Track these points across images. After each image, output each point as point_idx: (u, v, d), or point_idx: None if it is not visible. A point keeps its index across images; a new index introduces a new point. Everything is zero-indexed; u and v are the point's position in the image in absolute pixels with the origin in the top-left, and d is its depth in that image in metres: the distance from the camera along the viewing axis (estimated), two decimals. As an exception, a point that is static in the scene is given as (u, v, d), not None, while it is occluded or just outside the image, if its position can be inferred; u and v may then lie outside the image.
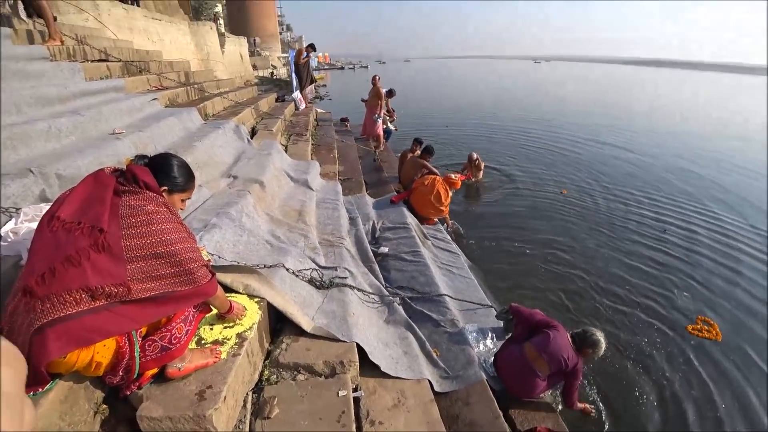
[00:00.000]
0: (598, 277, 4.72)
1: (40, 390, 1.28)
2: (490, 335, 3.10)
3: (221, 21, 23.50)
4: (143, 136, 3.50)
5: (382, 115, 8.61)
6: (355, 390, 2.03)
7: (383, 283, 3.39)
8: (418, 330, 2.82)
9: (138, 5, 10.88)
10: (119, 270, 1.28)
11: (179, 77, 6.83)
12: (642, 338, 3.77)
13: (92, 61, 5.42)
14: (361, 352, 2.21)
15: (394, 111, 9.85)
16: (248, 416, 1.69)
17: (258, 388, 1.85)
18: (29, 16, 5.07)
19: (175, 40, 13.85)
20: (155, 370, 1.50)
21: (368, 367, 2.23)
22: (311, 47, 10.08)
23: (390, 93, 9.20)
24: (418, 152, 6.60)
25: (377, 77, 8.76)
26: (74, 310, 1.20)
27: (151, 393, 1.49)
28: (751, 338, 3.88)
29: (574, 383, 2.64)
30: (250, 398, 1.77)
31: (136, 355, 1.37)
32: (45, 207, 1.89)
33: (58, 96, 3.78)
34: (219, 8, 24.81)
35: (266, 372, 1.94)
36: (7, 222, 1.92)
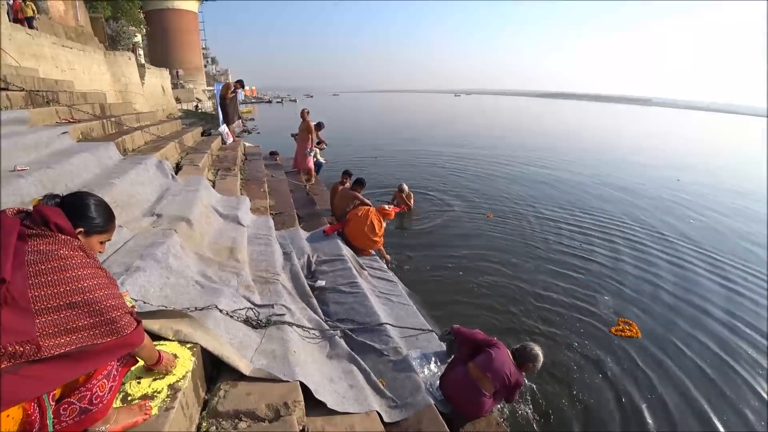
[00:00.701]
0: (527, 292, 5.05)
1: None
2: (433, 359, 3.14)
3: (141, 51, 22.40)
4: (52, 174, 3.18)
5: (313, 148, 8.65)
6: (302, 431, 1.94)
7: (322, 317, 3.32)
8: (362, 362, 2.78)
9: (32, 27, 10.06)
10: (26, 325, 1.11)
11: (93, 109, 6.36)
12: (572, 343, 4.07)
13: (-13, 90, 4.90)
14: (306, 390, 2.13)
15: (324, 143, 9.96)
16: (187, 478, 1.55)
17: (197, 444, 1.71)
18: None
19: (88, 70, 12.97)
20: (75, 436, 1.31)
21: (314, 405, 2.15)
22: (240, 83, 9.99)
23: (319, 126, 9.30)
24: (348, 184, 6.67)
25: (306, 111, 8.82)
26: None
27: (68, 466, 1.30)
28: (668, 332, 4.39)
29: (515, 393, 2.80)
30: (187, 457, 1.63)
31: (49, 422, 1.19)
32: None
33: (-58, 130, 3.35)
34: (138, 38, 23.68)
35: (204, 424, 1.79)
36: None
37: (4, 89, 5.09)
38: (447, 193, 9.78)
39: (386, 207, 5.46)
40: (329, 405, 2.18)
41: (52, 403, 1.21)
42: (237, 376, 2.04)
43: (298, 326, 2.74)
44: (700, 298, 5.15)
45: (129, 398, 1.57)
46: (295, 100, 77.04)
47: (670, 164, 16.09)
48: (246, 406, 1.87)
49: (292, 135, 9.13)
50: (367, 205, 5.75)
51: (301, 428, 1.91)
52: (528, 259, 6.07)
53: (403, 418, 2.43)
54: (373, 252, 5.31)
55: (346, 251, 4.84)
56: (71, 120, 5.42)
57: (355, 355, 2.84)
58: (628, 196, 10.22)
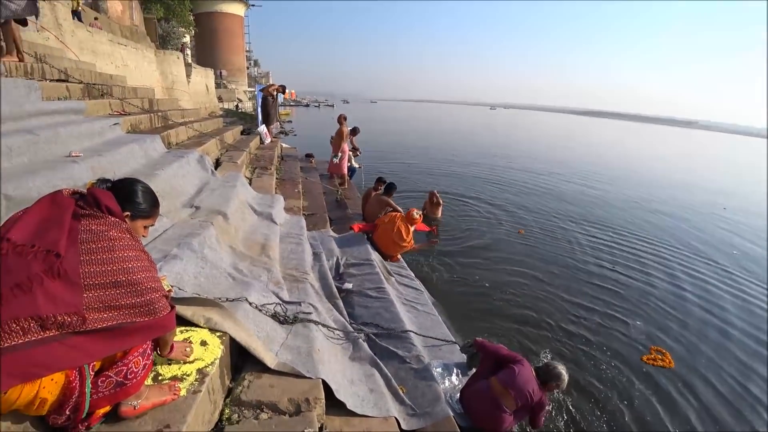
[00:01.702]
0: (557, 311, 4.91)
1: None
2: (455, 371, 3.10)
3: (188, 51, 23.44)
4: (102, 161, 3.36)
5: (345, 153, 8.76)
6: (320, 429, 1.95)
7: (348, 319, 3.34)
8: (383, 367, 2.77)
9: (81, 20, 10.63)
10: (75, 298, 1.19)
11: (143, 104, 6.69)
12: (600, 369, 3.91)
13: (51, 80, 5.23)
14: (327, 389, 2.14)
15: (357, 149, 10.07)
16: (207, 459, 1.59)
17: (218, 429, 1.74)
18: None
19: (140, 67, 13.65)
20: (107, 408, 1.38)
21: (334, 404, 2.16)
22: (282, 88, 10.25)
23: (354, 131, 9.41)
24: (381, 190, 6.72)
25: (343, 117, 8.94)
26: (21, 341, 1.10)
27: (101, 433, 1.36)
28: (703, 363, 4.17)
29: (539, 414, 2.70)
30: (209, 440, 1.66)
31: (87, 391, 1.26)
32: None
33: (11, 114, 3.58)
34: (187, 39, 24.81)
35: (227, 411, 1.83)
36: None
37: (64, 81, 5.43)
38: (482, 203, 9.73)
39: (415, 213, 5.42)
40: (349, 406, 2.18)
41: (91, 373, 1.28)
42: (261, 368, 2.07)
43: (324, 326, 2.77)
44: (740, 332, 4.88)
45: (160, 378, 1.63)
46: (332, 105, 78.37)
47: (718, 190, 15.45)
48: (268, 398, 1.90)
49: (331, 140, 9.28)
50: (398, 211, 5.76)
51: (319, 426, 1.92)
52: (561, 277, 5.91)
53: (420, 426, 2.40)
54: (401, 258, 5.31)
55: (375, 256, 4.86)
56: (122, 112, 5.72)
57: (378, 360, 2.83)
58: (673, 221, 9.85)
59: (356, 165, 10.01)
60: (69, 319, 1.17)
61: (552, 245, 7.28)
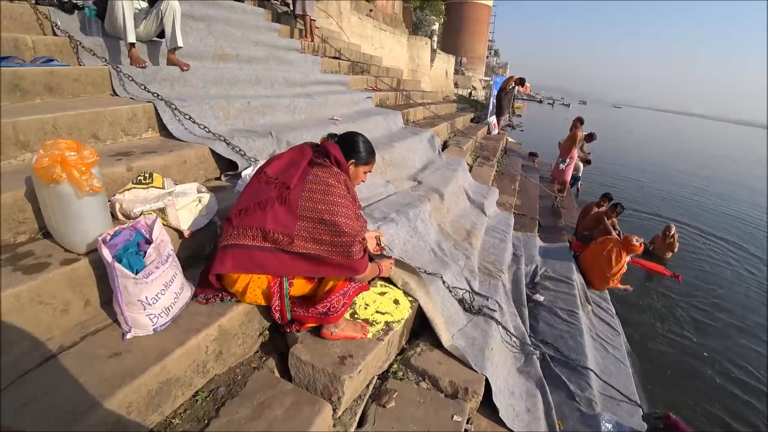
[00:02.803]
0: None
1: (230, 298, 1.66)
2: (627, 436, 2.63)
3: (435, 38, 25.19)
4: (354, 126, 4.02)
5: (574, 159, 8.09)
6: (467, 422, 1.98)
7: (528, 331, 3.19)
8: (549, 394, 2.56)
9: None
10: (291, 223, 1.54)
11: (392, 82, 7.64)
12: None
13: (329, 57, 6.54)
14: (486, 389, 2.13)
15: (589, 157, 9.14)
16: (367, 396, 1.81)
17: (383, 377, 1.96)
18: (295, 17, 6.55)
19: (393, 50, 15.50)
20: (313, 325, 1.74)
21: (487, 406, 2.13)
22: (521, 81, 10.05)
23: (591, 137, 8.56)
24: (605, 208, 6.00)
25: (579, 120, 8.22)
26: (249, 243, 1.53)
27: (305, 339, 1.74)
28: None
29: None
30: (374, 382, 1.89)
31: (287, 303, 1.63)
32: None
33: (300, 81, 4.65)
34: (436, 26, 26.66)
35: (395, 366, 2.03)
36: (246, 168, 2.47)
37: (337, 58, 6.69)
38: (734, 249, 7.67)
39: (634, 239, 4.64)
40: (501, 415, 2.11)
41: (289, 287, 1.64)
42: (434, 342, 2.20)
43: (504, 328, 2.72)
44: None
45: (355, 316, 1.94)
46: (568, 105, 72.50)
47: None
48: (433, 372, 2.02)
49: (560, 143, 8.71)
50: (614, 235, 5.08)
51: (467, 418, 1.94)
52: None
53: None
54: (605, 289, 4.70)
55: (577, 277, 4.46)
56: (375, 88, 6.68)
57: (545, 384, 2.64)
58: None
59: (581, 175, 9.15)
60: (282, 238, 1.53)
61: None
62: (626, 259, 4.61)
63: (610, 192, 6.72)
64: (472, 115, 10.49)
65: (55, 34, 2.89)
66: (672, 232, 6.61)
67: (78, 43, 2.81)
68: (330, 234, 1.54)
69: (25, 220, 1.60)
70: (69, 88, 2.52)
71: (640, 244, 4.64)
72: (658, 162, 19.47)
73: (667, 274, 5.66)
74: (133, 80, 2.73)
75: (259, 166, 2.33)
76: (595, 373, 3.06)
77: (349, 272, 1.64)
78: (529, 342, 2.97)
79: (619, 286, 4.88)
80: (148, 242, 1.50)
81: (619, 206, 5.85)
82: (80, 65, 2.78)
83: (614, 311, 4.40)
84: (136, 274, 1.36)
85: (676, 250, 6.69)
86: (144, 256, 1.43)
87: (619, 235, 5.68)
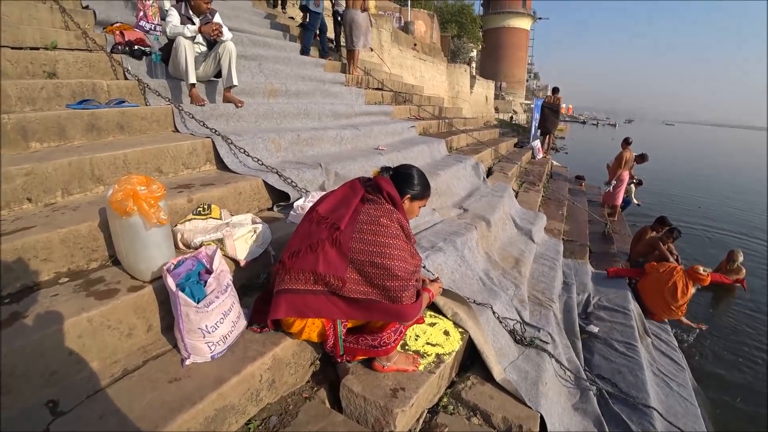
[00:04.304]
0: None
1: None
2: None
3: (474, 64, 25.43)
4: (399, 156, 4.08)
5: (624, 182, 7.75)
6: (522, 461, 1.86)
7: (583, 364, 3.00)
8: (608, 434, 2.38)
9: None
10: (342, 266, 1.49)
11: (433, 110, 7.74)
12: None
13: (372, 88, 6.73)
14: (541, 427, 2.01)
15: (641, 179, 8.73)
16: (418, 430, 1.75)
17: (433, 411, 1.89)
18: (338, 51, 6.97)
19: (433, 78, 15.79)
20: (365, 357, 1.71)
21: (540, 443, 2.01)
22: (554, 90, 9.95)
23: (642, 158, 8.17)
24: (661, 233, 5.66)
25: (627, 141, 7.92)
26: (302, 287, 1.50)
27: (356, 370, 1.73)
28: None
29: None
30: (424, 416, 1.83)
31: (340, 342, 1.60)
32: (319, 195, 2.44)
33: (346, 113, 4.82)
34: (474, 53, 26.97)
35: (445, 399, 1.96)
36: (298, 199, 2.55)
37: (380, 89, 6.88)
38: None
39: (701, 269, 4.34)
40: (556, 454, 1.98)
41: (344, 329, 1.60)
42: (485, 376, 2.11)
43: (558, 361, 2.58)
44: None
45: (406, 348, 1.90)
46: (614, 125, 70.08)
47: None
48: (484, 407, 1.93)
49: (608, 165, 8.41)
50: (674, 263, 4.75)
51: (520, 458, 1.83)
52: None
53: None
54: (665, 319, 4.38)
55: (634, 307, 4.18)
56: (418, 117, 6.79)
57: (604, 423, 2.45)
58: None
59: (635, 201, 8.70)
60: (334, 282, 1.48)
61: None
62: (692, 291, 4.29)
63: (666, 215, 6.33)
64: (515, 140, 10.41)
65: (126, 78, 3.21)
66: (739, 259, 6.07)
67: (145, 86, 3.09)
68: (381, 278, 1.47)
69: (98, 248, 1.75)
70: (137, 126, 2.77)
71: (708, 275, 4.33)
72: (716, 181, 18.16)
73: (729, 282, 5.37)
74: (193, 117, 2.95)
75: (309, 197, 2.38)
76: (659, 412, 2.81)
77: (399, 318, 1.57)
78: (585, 377, 2.78)
79: (692, 324, 4.56)
80: (209, 272, 1.57)
81: (675, 231, 5.49)
82: (147, 105, 3.05)
83: (676, 344, 4.07)
84: (198, 303, 1.42)
85: (742, 275, 6.12)
86: (205, 285, 1.49)
87: (677, 260, 5.32)
